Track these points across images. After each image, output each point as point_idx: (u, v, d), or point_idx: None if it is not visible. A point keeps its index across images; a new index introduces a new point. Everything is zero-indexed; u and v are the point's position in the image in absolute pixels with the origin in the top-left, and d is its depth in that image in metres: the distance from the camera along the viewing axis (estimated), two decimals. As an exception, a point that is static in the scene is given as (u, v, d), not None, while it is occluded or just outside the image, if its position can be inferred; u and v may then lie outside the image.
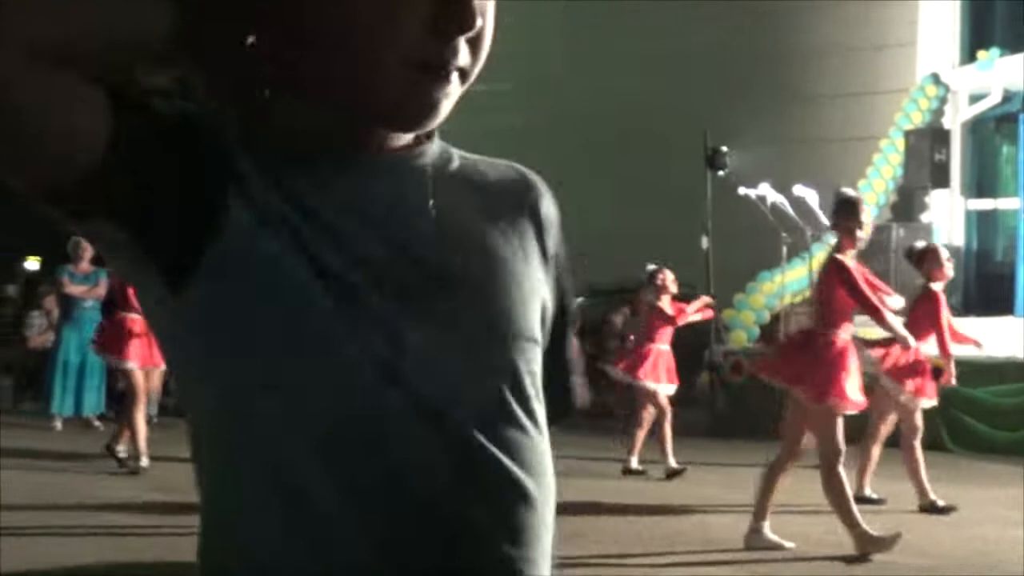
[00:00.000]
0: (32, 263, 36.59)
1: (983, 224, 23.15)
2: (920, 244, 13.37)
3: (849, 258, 10.11)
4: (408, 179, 1.80)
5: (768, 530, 10.13)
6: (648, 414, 14.48)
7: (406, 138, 1.81)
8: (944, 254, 12.61)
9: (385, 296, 1.69)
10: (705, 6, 25.27)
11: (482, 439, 1.72)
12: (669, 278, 14.73)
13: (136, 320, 13.65)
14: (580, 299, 22.49)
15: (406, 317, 1.71)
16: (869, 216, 10.62)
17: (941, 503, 12.03)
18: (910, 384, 11.87)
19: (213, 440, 1.72)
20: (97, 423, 18.39)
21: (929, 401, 12.18)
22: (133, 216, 1.58)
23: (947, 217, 21.90)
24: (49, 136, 1.49)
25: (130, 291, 13.67)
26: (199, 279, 1.61)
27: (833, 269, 10.23)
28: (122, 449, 13.97)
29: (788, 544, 10.03)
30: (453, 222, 1.80)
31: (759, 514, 10.21)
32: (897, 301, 11.62)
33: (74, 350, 18.15)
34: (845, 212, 10.18)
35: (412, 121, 1.76)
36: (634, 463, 14.49)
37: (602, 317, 22.10)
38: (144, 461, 13.73)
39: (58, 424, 18.26)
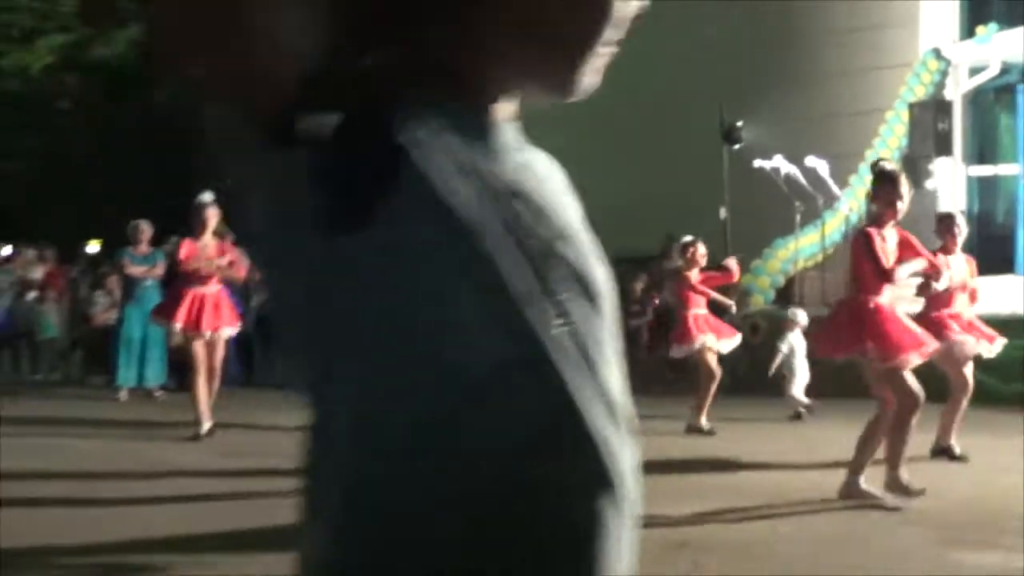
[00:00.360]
0: (93, 247, 36.68)
1: (984, 189, 23.17)
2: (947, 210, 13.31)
3: (888, 228, 10.05)
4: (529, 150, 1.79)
5: (864, 482, 9.93)
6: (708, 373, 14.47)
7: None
8: (957, 222, 12.46)
9: (549, 260, 1.68)
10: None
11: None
12: (700, 252, 14.72)
13: (189, 290, 13.70)
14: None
15: (570, 284, 1.70)
16: (908, 187, 10.55)
17: (957, 451, 11.97)
18: (955, 336, 11.79)
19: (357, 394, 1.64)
20: (159, 393, 18.58)
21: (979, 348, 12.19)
22: (327, 147, 1.57)
23: (950, 183, 21.85)
24: (271, 43, 1.54)
25: (185, 264, 13.75)
26: (373, 222, 1.58)
27: (860, 239, 10.22)
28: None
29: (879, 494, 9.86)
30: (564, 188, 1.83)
31: (892, 463, 10.02)
32: (959, 267, 11.56)
33: (136, 326, 18.39)
34: (885, 185, 10.11)
35: (587, 92, 1.80)
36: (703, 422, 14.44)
37: (623, 284, 22.07)
38: (206, 427, 13.71)
39: (123, 395, 18.36)
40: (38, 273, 21.37)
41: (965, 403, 12.04)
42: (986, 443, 12.71)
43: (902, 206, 10.08)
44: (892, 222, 10.10)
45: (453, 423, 1.60)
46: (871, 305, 9.99)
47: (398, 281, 1.59)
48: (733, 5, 25.00)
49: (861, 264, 10.16)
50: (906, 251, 10.34)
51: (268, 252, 1.77)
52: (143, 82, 37.66)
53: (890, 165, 11.06)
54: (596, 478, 1.65)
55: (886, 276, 10.04)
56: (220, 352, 13.87)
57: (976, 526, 9.11)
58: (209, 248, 13.85)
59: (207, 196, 13.95)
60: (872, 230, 10.07)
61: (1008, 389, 15.52)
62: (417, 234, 1.58)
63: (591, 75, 1.77)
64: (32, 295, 20.95)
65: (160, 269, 18.13)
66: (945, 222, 12.48)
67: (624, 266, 22.96)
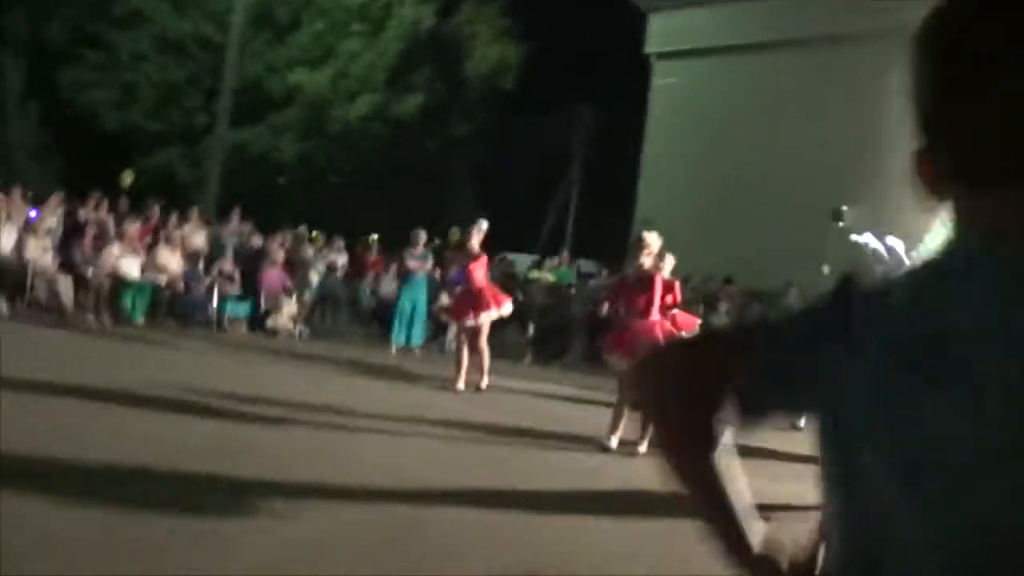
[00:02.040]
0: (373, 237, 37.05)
1: None
2: None
3: None
4: None
5: None
6: None
7: None
8: None
9: None
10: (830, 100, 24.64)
11: None
12: None
13: (472, 290, 13.57)
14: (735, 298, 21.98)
15: None
16: None
17: None
18: None
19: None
20: (417, 352, 18.25)
21: None
22: None
23: None
24: None
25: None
26: None
27: None
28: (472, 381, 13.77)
29: None
30: None
31: None
32: None
33: (408, 302, 18.28)
34: None
35: None
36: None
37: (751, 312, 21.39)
38: (460, 385, 13.56)
39: (393, 350, 18.14)
40: (342, 258, 21.41)
41: None
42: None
43: None
44: None
45: None
46: None
47: None
48: (843, 106, 24.34)
49: None
50: None
51: None
52: (421, 133, 38.25)
53: None
54: None
55: None
56: (481, 332, 13.55)
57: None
58: (473, 256, 13.71)
59: (484, 223, 13.92)
60: None
61: None
62: None
63: None
64: (337, 273, 20.97)
65: (429, 264, 18.17)
66: None
67: (752, 298, 22.46)
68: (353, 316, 21.50)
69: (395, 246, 23.37)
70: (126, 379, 10.74)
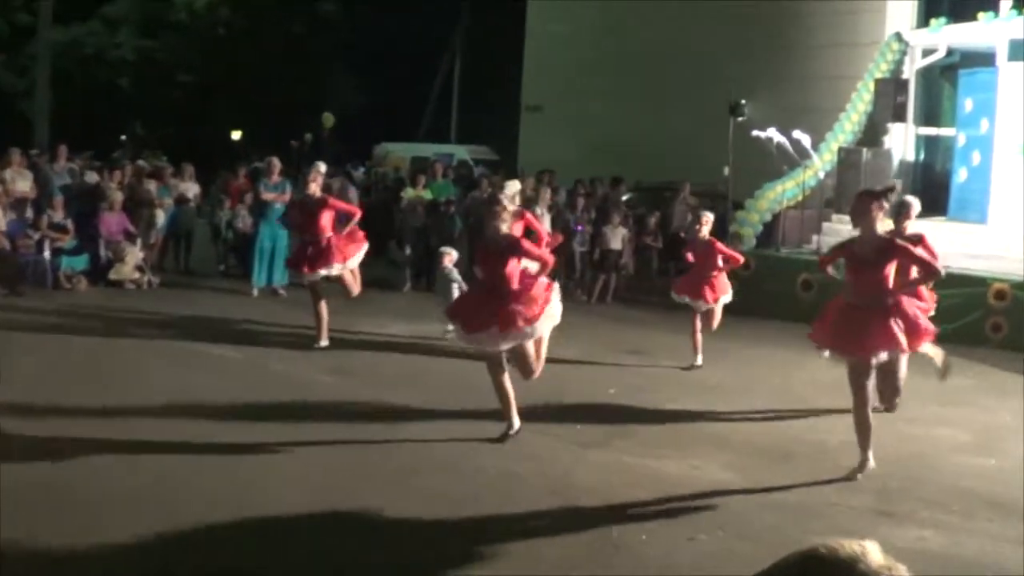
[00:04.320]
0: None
1: (929, 146, 22.13)
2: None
3: None
4: None
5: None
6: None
7: None
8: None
9: None
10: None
11: None
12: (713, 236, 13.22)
13: (315, 241, 12.85)
14: (630, 195, 21.51)
15: None
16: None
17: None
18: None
19: None
20: (282, 291, 17.48)
21: None
22: None
23: (903, 142, 20.90)
24: None
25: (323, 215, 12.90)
26: None
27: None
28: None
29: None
30: None
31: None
32: None
33: (267, 238, 17.56)
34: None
35: None
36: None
37: (640, 212, 20.73)
38: (322, 343, 13.08)
39: (255, 292, 17.49)
40: (194, 189, 20.41)
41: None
42: (916, 383, 10.94)
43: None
44: None
45: None
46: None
47: None
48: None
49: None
50: None
51: None
52: (282, 17, 36.56)
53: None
54: None
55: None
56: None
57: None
58: (316, 203, 13.00)
59: (322, 166, 13.33)
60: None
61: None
62: None
63: None
64: (190, 205, 19.99)
65: (287, 195, 17.22)
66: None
67: (644, 193, 22.13)
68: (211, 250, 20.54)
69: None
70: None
